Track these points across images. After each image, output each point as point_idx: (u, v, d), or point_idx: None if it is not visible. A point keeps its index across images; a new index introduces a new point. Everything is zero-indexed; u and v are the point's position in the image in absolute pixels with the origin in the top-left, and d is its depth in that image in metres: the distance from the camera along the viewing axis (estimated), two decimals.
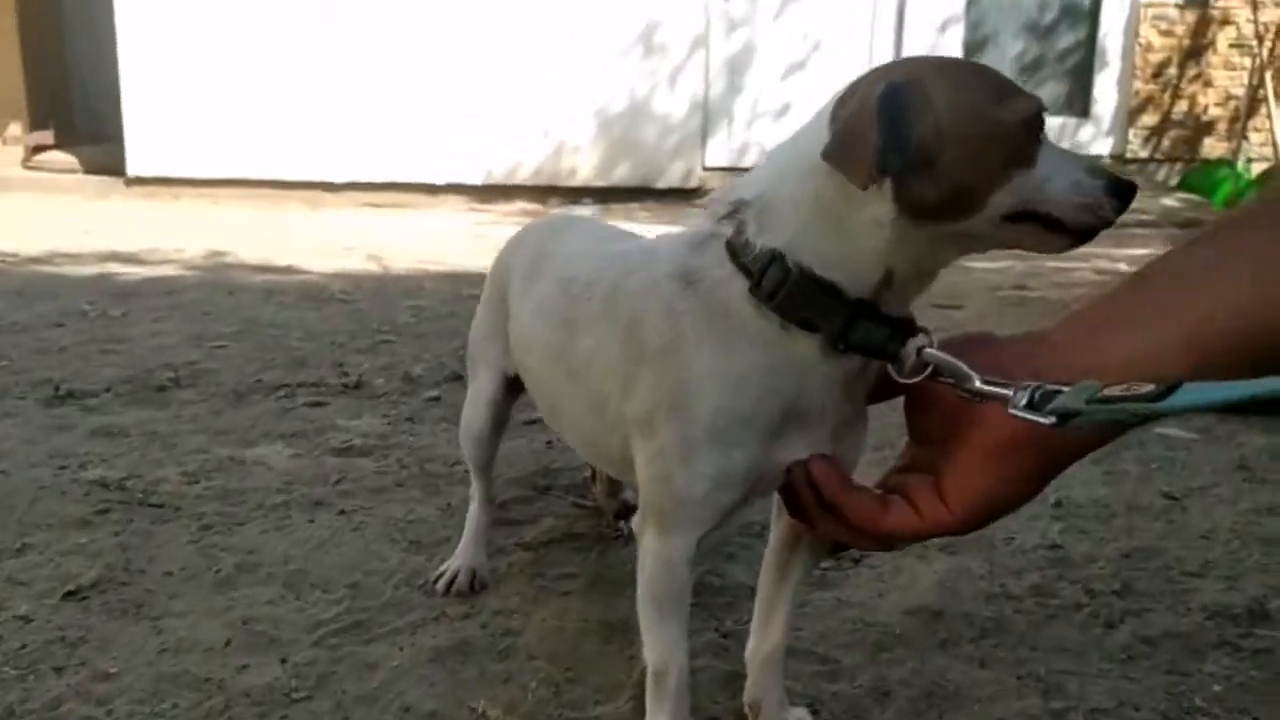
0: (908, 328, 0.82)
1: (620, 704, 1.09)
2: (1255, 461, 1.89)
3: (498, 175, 7.69)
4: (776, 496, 0.97)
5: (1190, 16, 8.56)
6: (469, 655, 1.18)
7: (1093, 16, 8.67)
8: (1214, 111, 8.70)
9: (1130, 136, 8.70)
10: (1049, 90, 8.67)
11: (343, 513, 1.58)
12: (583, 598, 1.33)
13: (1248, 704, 1.13)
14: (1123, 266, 5.16)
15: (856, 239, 0.79)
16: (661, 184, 7.88)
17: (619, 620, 1.25)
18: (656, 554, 0.93)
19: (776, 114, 8.17)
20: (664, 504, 0.91)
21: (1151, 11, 8.54)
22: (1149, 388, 0.64)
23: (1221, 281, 0.72)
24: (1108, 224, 0.80)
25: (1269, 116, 8.16)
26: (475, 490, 1.40)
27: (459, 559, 1.36)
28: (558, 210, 1.21)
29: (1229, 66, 8.66)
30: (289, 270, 4.40)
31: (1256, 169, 8.25)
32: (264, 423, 2.06)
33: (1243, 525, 1.60)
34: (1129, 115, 8.69)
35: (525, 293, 1.16)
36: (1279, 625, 1.29)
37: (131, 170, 7.39)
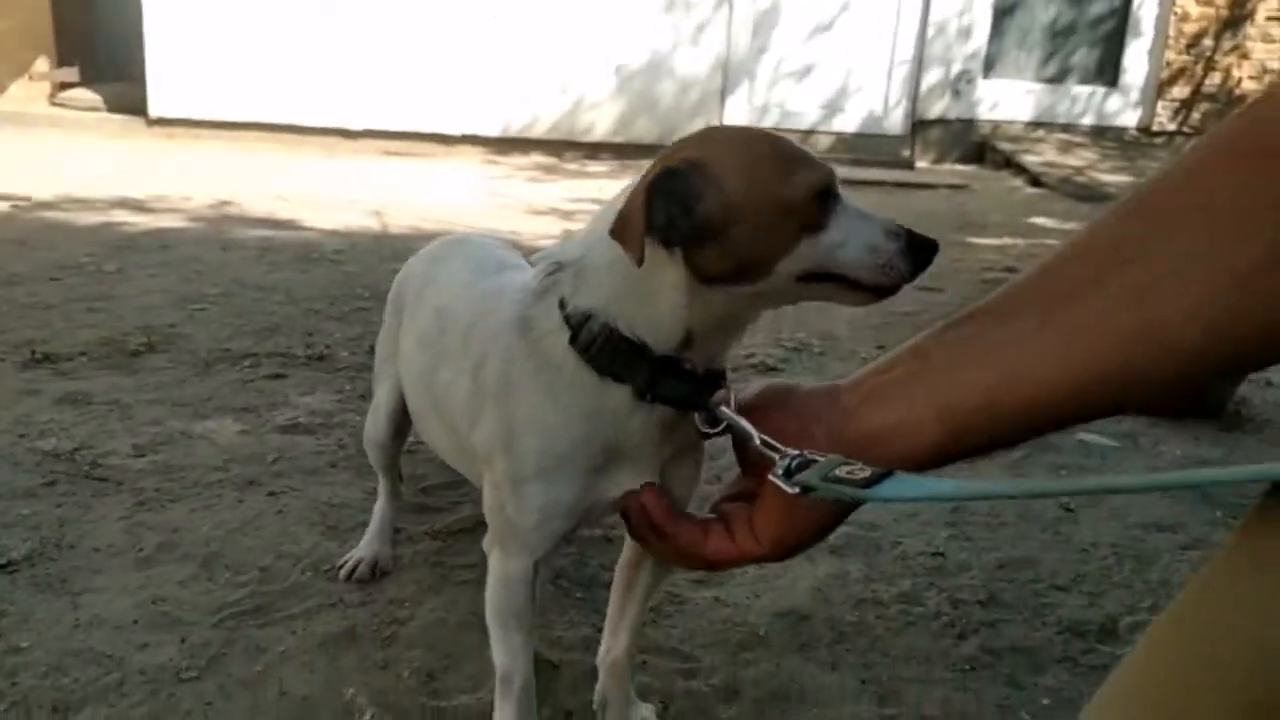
0: (713, 381, 0.89)
1: (483, 694, 1.19)
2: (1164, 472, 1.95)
3: (514, 128, 7.73)
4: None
5: None
6: (354, 642, 1.29)
7: None
8: (1248, 85, 8.53)
9: (1159, 109, 8.55)
10: (1079, 58, 8.55)
11: (271, 494, 1.69)
12: (475, 588, 1.42)
13: (1071, 718, 1.21)
14: None
15: (658, 303, 0.86)
16: None
17: None
18: (500, 574, 1.02)
19: (800, 74, 8.11)
20: (503, 529, 1.00)
21: None
22: (867, 473, 0.72)
23: (973, 360, 0.79)
24: (902, 284, 0.85)
25: None
26: (381, 486, 1.49)
27: (363, 549, 1.46)
28: (457, 234, 1.28)
29: (1267, 38, 8.47)
30: (289, 225, 4.50)
31: None
32: (221, 395, 2.17)
33: (1125, 540, 1.67)
34: (1159, 87, 8.53)
35: (412, 318, 1.24)
36: (1123, 643, 1.37)
37: (153, 111, 7.50)
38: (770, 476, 0.80)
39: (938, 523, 1.70)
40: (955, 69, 8.28)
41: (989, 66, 8.40)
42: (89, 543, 1.50)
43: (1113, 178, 7.34)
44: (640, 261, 0.81)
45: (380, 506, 1.49)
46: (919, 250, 0.84)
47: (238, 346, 2.53)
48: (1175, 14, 8.41)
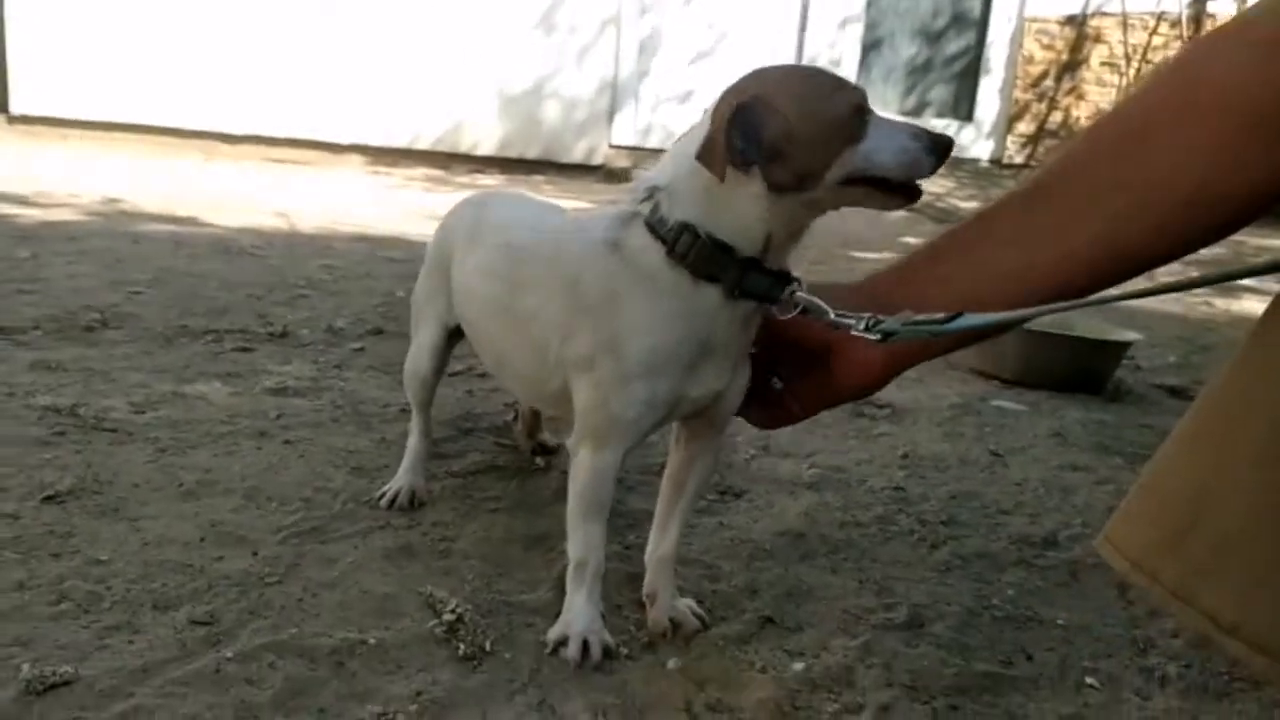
0: (785, 277, 1.07)
1: (541, 593, 1.33)
2: (1069, 430, 2.25)
3: (401, 140, 7.73)
4: (675, 429, 1.24)
5: (1069, 32, 9.17)
6: (414, 555, 1.39)
7: (981, 25, 9.18)
8: (1085, 124, 9.34)
9: (1008, 142, 9.27)
10: (936, 93, 9.21)
11: (287, 442, 1.77)
12: (507, 515, 1.56)
13: (1033, 604, 1.44)
14: None
15: (744, 212, 1.04)
16: (566, 160, 8.04)
17: (538, 534, 1.49)
18: (590, 466, 1.16)
19: (681, 99, 8.43)
20: (600, 425, 1.15)
21: (1035, 25, 9.11)
22: (940, 315, 0.92)
23: (984, 256, 0.99)
24: (927, 174, 1.02)
25: None
26: (415, 423, 1.61)
27: (400, 479, 1.57)
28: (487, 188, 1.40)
29: (1100, 83, 9.29)
30: (193, 222, 4.44)
31: None
32: (197, 364, 2.21)
33: (1050, 478, 1.94)
34: (1009, 121, 9.25)
35: (466, 257, 1.38)
36: (1064, 550, 1.62)
37: (15, 108, 7.16)
38: (854, 332, 0.98)
39: (893, 466, 1.93)
40: None
41: None
42: (126, 479, 1.55)
43: (966, 204, 7.94)
44: (722, 178, 1.00)
45: (414, 441, 1.60)
46: (939, 147, 1.02)
47: (194, 324, 2.54)
48: (1022, 56, 9.16)
